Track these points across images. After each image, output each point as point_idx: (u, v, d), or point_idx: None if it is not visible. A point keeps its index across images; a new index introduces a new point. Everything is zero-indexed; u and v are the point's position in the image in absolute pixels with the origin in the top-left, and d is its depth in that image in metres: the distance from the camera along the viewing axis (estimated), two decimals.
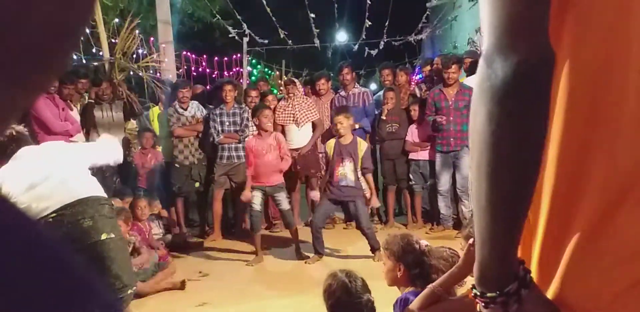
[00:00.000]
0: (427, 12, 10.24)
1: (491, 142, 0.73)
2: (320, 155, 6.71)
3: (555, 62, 0.73)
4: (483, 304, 0.79)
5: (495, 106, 0.72)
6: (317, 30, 9.93)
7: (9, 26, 0.25)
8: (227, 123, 6.34)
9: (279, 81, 8.18)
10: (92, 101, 6.09)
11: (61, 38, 0.29)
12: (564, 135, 0.75)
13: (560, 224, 0.76)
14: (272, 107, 6.70)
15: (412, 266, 2.44)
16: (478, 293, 0.80)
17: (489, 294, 0.78)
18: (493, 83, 0.72)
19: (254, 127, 6.50)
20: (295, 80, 7.14)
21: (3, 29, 0.25)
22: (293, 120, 6.57)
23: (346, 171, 5.24)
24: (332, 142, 5.46)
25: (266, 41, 10.14)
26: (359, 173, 5.27)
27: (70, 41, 0.30)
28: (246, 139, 5.93)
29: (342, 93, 6.77)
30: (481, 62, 0.75)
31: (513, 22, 0.73)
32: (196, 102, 6.61)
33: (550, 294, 0.77)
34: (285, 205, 5.40)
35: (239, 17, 9.27)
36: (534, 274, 0.80)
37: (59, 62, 0.30)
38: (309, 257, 5.30)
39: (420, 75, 7.77)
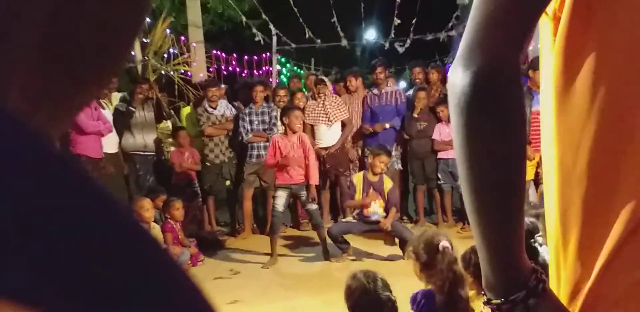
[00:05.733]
0: (458, 12, 10.14)
1: (461, 152, 0.73)
2: (349, 153, 6.76)
3: (517, 77, 0.71)
4: (491, 310, 0.78)
5: (459, 117, 0.72)
6: (343, 34, 9.96)
7: (75, 21, 0.26)
8: (256, 122, 6.39)
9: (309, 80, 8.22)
10: (127, 109, 6.17)
11: (123, 35, 0.29)
12: (595, 146, 0.72)
13: (591, 237, 0.74)
14: (301, 105, 6.75)
15: (427, 266, 2.48)
16: (486, 299, 0.79)
17: (494, 301, 0.77)
18: (454, 92, 0.71)
19: (283, 127, 6.57)
20: (325, 79, 7.16)
21: (69, 24, 0.25)
22: (323, 120, 6.60)
23: (376, 208, 5.32)
24: (360, 176, 5.56)
25: (292, 43, 10.19)
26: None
27: (131, 38, 0.30)
28: (272, 136, 5.90)
29: (375, 91, 6.78)
30: (450, 69, 0.74)
31: (480, 32, 0.71)
32: (225, 101, 6.68)
33: (574, 307, 0.75)
34: (312, 205, 5.40)
35: (265, 17, 9.31)
36: (565, 286, 0.78)
37: (121, 59, 0.31)
38: (337, 255, 5.30)
39: None
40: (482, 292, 0.82)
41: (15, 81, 0.23)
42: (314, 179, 5.44)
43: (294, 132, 5.46)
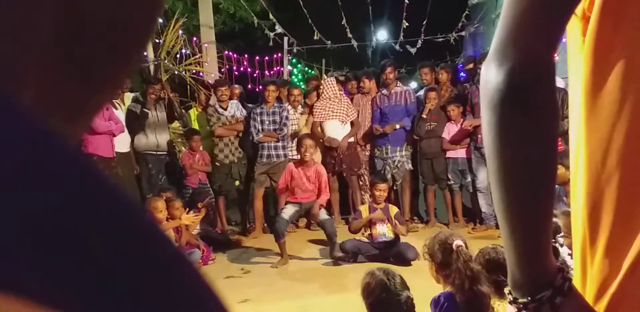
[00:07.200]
0: (468, 11, 10.10)
1: (493, 149, 0.73)
2: (362, 153, 6.78)
3: (552, 74, 0.72)
4: (516, 309, 0.79)
5: (492, 113, 0.72)
6: (354, 35, 9.97)
7: (86, 20, 0.25)
8: (267, 122, 6.42)
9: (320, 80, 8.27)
10: (140, 111, 6.20)
11: (137, 34, 0.29)
12: (626, 146, 0.73)
13: (619, 235, 0.74)
14: (312, 104, 6.81)
15: (443, 266, 2.46)
16: (512, 298, 0.79)
17: (520, 300, 0.77)
18: (489, 90, 0.72)
19: (295, 126, 6.60)
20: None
21: (80, 23, 0.25)
22: (332, 116, 6.64)
23: (384, 231, 5.33)
24: (366, 206, 5.58)
25: (303, 44, 10.21)
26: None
27: (144, 38, 0.30)
28: (289, 163, 5.88)
29: (384, 91, 6.78)
30: (482, 67, 0.74)
31: (513, 29, 0.72)
32: (235, 101, 6.71)
33: (600, 306, 0.76)
34: (323, 215, 5.38)
35: (273, 19, 9.33)
36: (591, 285, 0.78)
37: (134, 60, 0.30)
38: (345, 258, 5.30)
39: (463, 74, 7.69)
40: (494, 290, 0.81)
41: (28, 81, 0.23)
42: (322, 201, 5.45)
43: (309, 161, 5.50)
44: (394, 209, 5.53)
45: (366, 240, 5.37)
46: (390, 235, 5.29)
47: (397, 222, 5.31)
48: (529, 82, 0.70)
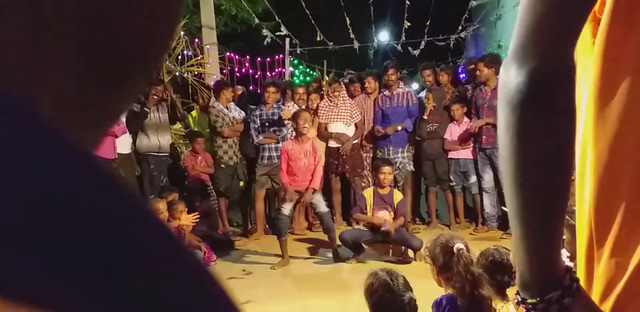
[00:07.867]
0: (466, 13, 10.11)
1: (510, 149, 0.73)
2: (364, 155, 6.77)
3: (571, 75, 0.71)
4: (525, 310, 0.79)
5: (510, 114, 0.72)
6: (356, 36, 9.98)
7: (111, 27, 0.25)
8: (267, 123, 6.42)
9: (322, 82, 8.26)
10: (142, 109, 6.19)
11: (158, 42, 0.28)
12: (636, 148, 0.73)
13: (626, 236, 0.74)
14: (314, 106, 6.79)
15: (444, 269, 2.47)
16: (520, 299, 0.79)
17: (529, 300, 0.77)
18: (508, 90, 0.71)
19: (294, 132, 6.60)
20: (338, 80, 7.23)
21: (103, 32, 0.25)
22: (342, 118, 6.64)
23: (387, 218, 5.33)
24: (370, 191, 5.61)
25: (305, 45, 10.21)
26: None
27: (164, 46, 0.29)
28: (284, 142, 5.93)
29: (386, 93, 6.78)
30: (501, 68, 0.75)
31: (533, 30, 0.72)
32: (233, 103, 6.71)
33: (606, 306, 0.76)
34: (322, 207, 5.39)
35: (278, 20, 9.34)
36: (598, 286, 0.78)
37: (154, 67, 0.30)
38: (348, 258, 5.30)
39: (464, 75, 7.70)
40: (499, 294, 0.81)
41: (47, 86, 0.23)
42: (315, 184, 5.41)
43: (303, 135, 5.49)
44: (398, 196, 5.53)
45: (366, 229, 5.38)
46: (391, 221, 5.30)
47: (394, 213, 5.34)
48: (550, 84, 0.70)
